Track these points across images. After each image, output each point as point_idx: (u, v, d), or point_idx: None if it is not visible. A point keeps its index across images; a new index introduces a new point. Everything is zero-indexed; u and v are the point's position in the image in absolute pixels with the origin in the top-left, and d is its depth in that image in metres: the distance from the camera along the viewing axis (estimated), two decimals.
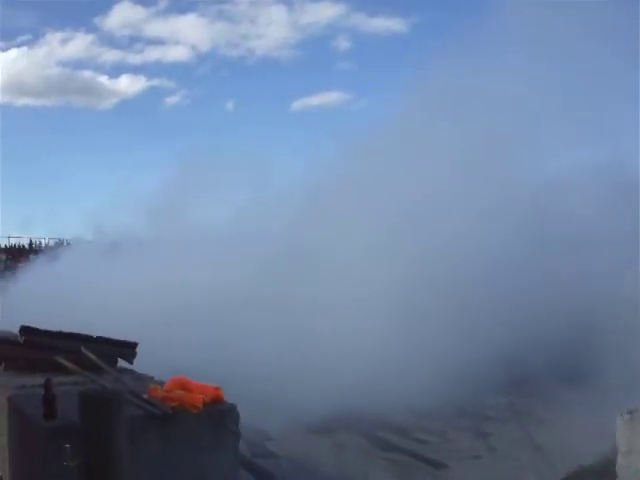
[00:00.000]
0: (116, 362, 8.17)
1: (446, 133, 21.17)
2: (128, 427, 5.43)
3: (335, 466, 11.05)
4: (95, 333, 8.40)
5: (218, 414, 6.18)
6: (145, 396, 6.17)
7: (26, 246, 54.41)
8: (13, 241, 55.35)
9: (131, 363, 8.27)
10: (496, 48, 22.47)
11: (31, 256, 47.06)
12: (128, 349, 8.29)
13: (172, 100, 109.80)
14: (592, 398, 11.92)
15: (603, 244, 18.10)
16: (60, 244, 52.06)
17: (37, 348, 7.65)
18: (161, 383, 7.01)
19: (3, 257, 48.11)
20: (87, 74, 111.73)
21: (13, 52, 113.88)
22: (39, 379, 6.96)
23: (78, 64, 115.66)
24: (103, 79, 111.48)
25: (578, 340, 15.19)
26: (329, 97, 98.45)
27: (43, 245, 53.64)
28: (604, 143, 23.41)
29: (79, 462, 4.60)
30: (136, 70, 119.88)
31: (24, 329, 8.03)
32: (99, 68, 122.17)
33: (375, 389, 13.61)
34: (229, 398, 8.68)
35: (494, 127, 20.96)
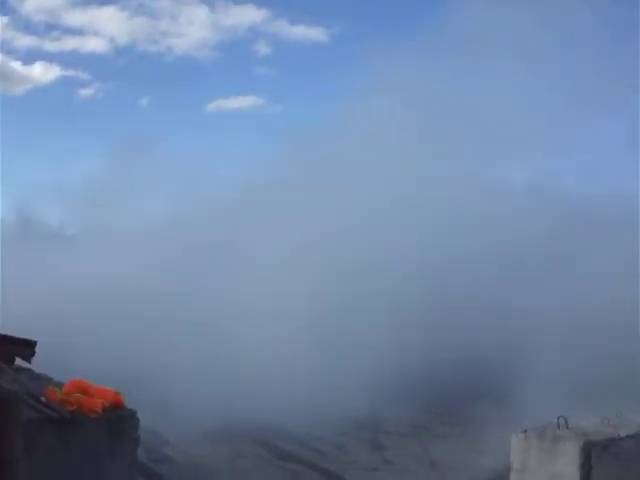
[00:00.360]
0: (13, 361, 7.93)
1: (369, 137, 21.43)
2: (24, 430, 5.30)
3: (231, 473, 11.03)
4: None
5: (117, 420, 6.06)
6: (43, 398, 6.01)
7: None
8: None
9: (29, 362, 8.03)
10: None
11: None
12: (26, 347, 8.03)
13: (86, 92, 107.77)
14: (496, 416, 12.14)
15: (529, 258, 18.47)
16: None
17: None
18: (60, 384, 6.85)
19: None
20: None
21: None
22: None
23: None
24: (16, 65, 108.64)
25: (496, 358, 15.37)
26: (245, 101, 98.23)
27: None
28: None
29: None
30: (51, 58, 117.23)
31: None
32: (13, 53, 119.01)
33: (278, 399, 13.63)
34: (128, 399, 8.54)
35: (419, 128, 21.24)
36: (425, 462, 11.97)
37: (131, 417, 6.18)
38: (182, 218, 24.19)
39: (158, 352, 15.78)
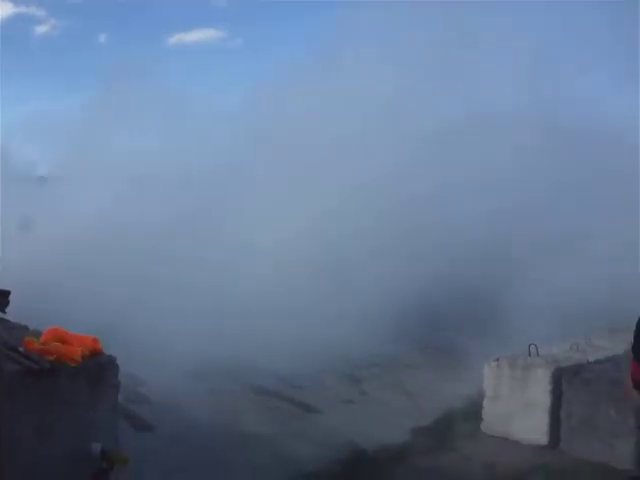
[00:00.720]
0: None
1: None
2: (4, 383, 5.34)
3: (208, 410, 11.12)
4: None
5: (97, 367, 6.11)
6: (21, 349, 6.02)
7: None
8: None
9: (4, 312, 8.02)
10: None
11: None
12: (1, 297, 8.04)
13: (41, 29, 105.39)
14: (477, 347, 12.32)
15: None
16: None
17: None
18: (36, 333, 6.87)
19: None
20: None
21: None
22: None
23: None
24: None
25: (486, 289, 15.41)
26: (205, 34, 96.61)
27: None
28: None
29: None
30: None
31: None
32: None
33: (255, 336, 13.70)
34: (105, 342, 8.57)
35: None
36: (400, 392, 12.20)
37: (110, 364, 6.23)
38: (169, 154, 23.71)
39: (138, 290, 15.74)
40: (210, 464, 9.36)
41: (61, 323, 7.41)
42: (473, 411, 10.65)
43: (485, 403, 10.33)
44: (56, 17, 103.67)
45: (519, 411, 9.87)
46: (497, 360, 10.35)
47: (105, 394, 6.10)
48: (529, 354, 10.27)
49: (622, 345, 9.97)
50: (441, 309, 15.35)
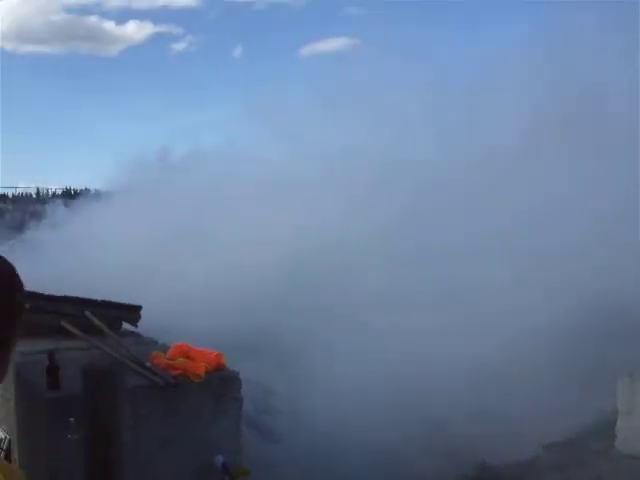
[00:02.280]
0: (120, 326, 8.24)
1: None
2: (131, 397, 5.54)
3: (336, 422, 11.11)
4: (102, 295, 8.46)
5: (220, 382, 6.24)
6: (148, 364, 6.24)
7: (33, 195, 54.47)
8: (20, 190, 55.33)
9: (135, 326, 8.33)
10: None
11: (38, 206, 47.22)
12: (132, 312, 8.35)
13: (179, 46, 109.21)
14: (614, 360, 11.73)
15: None
16: (67, 193, 52.26)
17: (41, 313, 7.70)
18: (165, 348, 7.08)
19: (10, 207, 48.15)
20: (93, 20, 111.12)
21: None
22: (44, 345, 7.05)
23: (84, 9, 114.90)
24: (109, 25, 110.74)
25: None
26: (337, 42, 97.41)
27: (50, 194, 53.75)
28: None
29: (81, 435, 4.69)
30: (143, 16, 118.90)
31: (28, 294, 8.07)
32: (105, 14, 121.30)
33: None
34: (234, 352, 8.71)
35: None
36: (530, 405, 11.82)
37: (233, 379, 6.35)
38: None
39: (272, 306, 15.89)
40: (337, 478, 9.40)
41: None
42: (606, 427, 10.31)
43: (619, 419, 9.99)
44: (192, 34, 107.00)
45: None
46: (631, 374, 10.00)
47: (228, 408, 6.22)
48: None
49: None
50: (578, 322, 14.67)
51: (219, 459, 5.88)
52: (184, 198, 24.36)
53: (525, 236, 16.02)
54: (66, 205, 38.33)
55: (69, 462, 5.12)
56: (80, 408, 4.75)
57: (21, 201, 51.45)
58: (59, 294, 8.11)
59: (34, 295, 8.01)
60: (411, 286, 15.19)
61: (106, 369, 4.70)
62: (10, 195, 53.70)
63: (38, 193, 54.36)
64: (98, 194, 45.85)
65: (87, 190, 51.35)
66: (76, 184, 55.15)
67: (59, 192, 53.80)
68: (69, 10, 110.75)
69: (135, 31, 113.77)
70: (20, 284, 1.85)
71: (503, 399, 11.79)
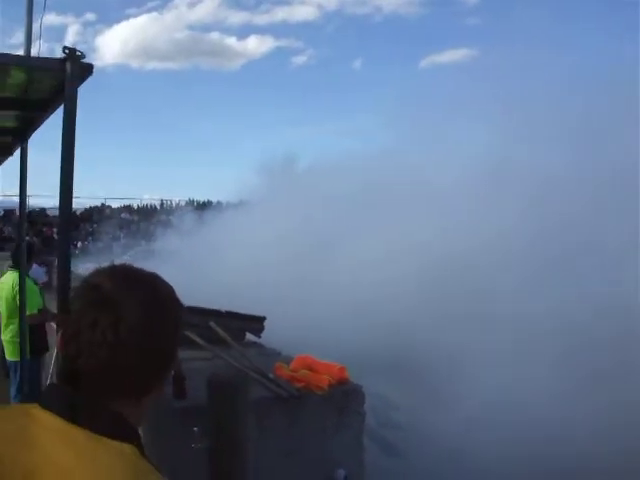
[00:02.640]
0: (244, 336, 8.31)
1: None
2: (255, 409, 5.54)
3: (459, 439, 10.84)
4: (230, 305, 8.55)
5: (343, 396, 6.19)
6: (271, 376, 6.25)
7: (157, 207, 55.74)
8: (145, 202, 56.73)
9: (259, 337, 8.39)
10: None
11: (162, 217, 48.43)
12: (256, 323, 8.42)
13: (299, 60, 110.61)
14: None
15: None
16: (190, 204, 53.39)
17: None
18: (287, 360, 7.08)
19: (135, 218, 49.48)
20: (215, 36, 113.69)
21: (143, 18, 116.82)
22: None
23: (206, 27, 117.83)
24: (231, 41, 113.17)
25: None
26: (457, 54, 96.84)
27: (174, 205, 54.99)
28: None
29: (205, 445, 4.71)
30: (263, 31, 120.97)
31: None
32: (226, 30, 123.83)
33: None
34: (360, 364, 8.61)
35: None
36: None
37: (356, 392, 6.29)
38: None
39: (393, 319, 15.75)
40: None
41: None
42: None
43: None
44: (312, 47, 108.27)
45: None
46: None
47: (350, 421, 6.17)
48: None
49: None
50: None
51: (341, 473, 5.85)
52: (316, 207, 24.47)
53: None
54: (193, 215, 39.22)
55: (193, 471, 5.15)
56: (205, 418, 4.77)
57: (146, 212, 52.77)
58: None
59: None
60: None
61: (230, 380, 4.70)
62: (135, 206, 55.08)
63: (162, 205, 55.57)
64: (221, 205, 46.72)
65: (210, 202, 52.48)
66: (199, 196, 56.23)
67: (182, 204, 55.04)
68: (192, 27, 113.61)
69: (256, 46, 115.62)
70: (181, 305, 1.77)
71: None
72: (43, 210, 51.62)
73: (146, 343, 1.62)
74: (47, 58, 3.71)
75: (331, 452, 6.00)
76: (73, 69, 3.42)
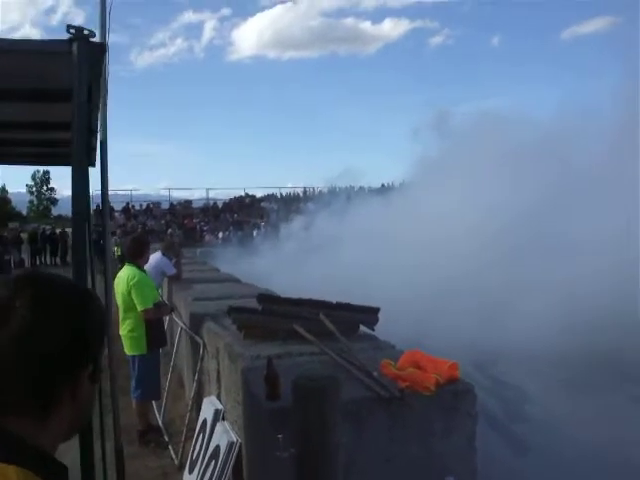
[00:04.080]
0: (357, 329, 7.96)
1: None
2: (353, 409, 5.18)
3: (593, 428, 10.23)
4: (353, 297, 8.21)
5: (452, 396, 5.72)
6: (375, 374, 5.85)
7: (300, 195, 56.24)
8: (288, 190, 57.32)
9: (372, 330, 8.01)
10: None
11: (302, 205, 48.68)
12: (369, 315, 8.03)
13: (436, 40, 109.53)
14: None
15: None
16: (333, 191, 53.51)
17: (275, 316, 7.57)
18: (400, 353, 6.69)
19: (275, 207, 49.95)
20: (349, 21, 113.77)
21: (277, 8, 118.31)
22: (275, 349, 6.89)
23: (340, 13, 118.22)
24: (366, 25, 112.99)
25: None
26: (600, 22, 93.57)
27: (317, 193, 55.28)
28: None
29: (292, 453, 4.38)
30: (398, 13, 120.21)
31: (262, 297, 8.00)
32: (361, 14, 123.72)
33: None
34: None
35: None
36: None
37: (467, 393, 5.80)
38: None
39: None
40: None
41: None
42: None
43: None
44: (450, 27, 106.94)
45: None
46: None
47: (460, 424, 5.69)
48: None
49: None
50: None
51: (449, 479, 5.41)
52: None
53: None
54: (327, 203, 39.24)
55: (280, 478, 4.84)
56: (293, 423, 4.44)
57: (288, 200, 53.21)
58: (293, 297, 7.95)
59: (267, 298, 7.92)
60: None
61: (318, 382, 4.33)
62: (279, 194, 55.70)
63: (305, 192, 55.87)
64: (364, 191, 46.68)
65: (352, 188, 52.40)
66: (342, 183, 56.25)
67: (325, 191, 55.21)
68: (326, 14, 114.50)
69: (391, 29, 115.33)
70: (84, 316, 1.63)
71: None
72: (189, 202, 53.03)
73: (26, 348, 1.49)
74: (50, 40, 3.37)
75: (438, 457, 5.55)
76: (81, 50, 3.10)
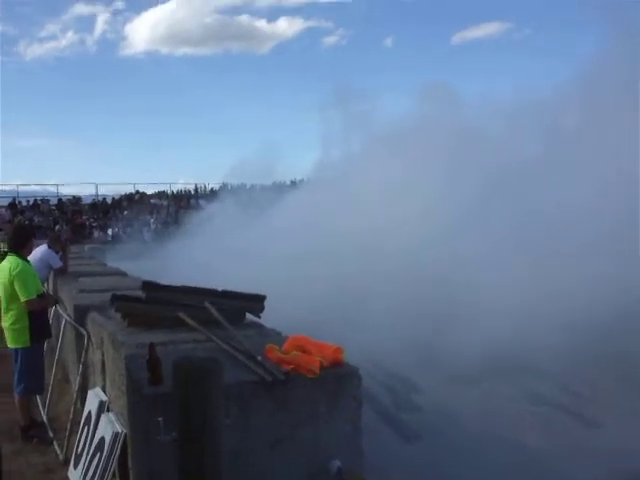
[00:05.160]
0: (244, 317, 7.91)
1: None
2: (237, 394, 5.13)
3: (479, 419, 10.53)
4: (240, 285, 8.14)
5: (336, 379, 5.73)
6: (260, 358, 5.82)
7: (192, 192, 55.71)
8: (179, 187, 56.70)
9: (258, 317, 7.97)
10: None
11: (192, 201, 48.32)
12: (256, 303, 7.99)
13: (330, 40, 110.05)
14: None
15: None
16: (224, 188, 53.22)
17: (160, 304, 7.46)
18: (286, 339, 6.66)
19: (165, 203, 49.41)
20: (244, 19, 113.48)
21: (172, 3, 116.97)
22: (159, 337, 6.78)
23: (235, 10, 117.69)
24: (261, 23, 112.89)
25: None
26: (490, 28, 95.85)
27: (208, 190, 54.94)
28: None
29: (173, 436, 4.30)
30: (293, 12, 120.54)
31: (146, 285, 7.87)
32: (256, 12, 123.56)
33: (522, 333, 12.93)
34: (368, 346, 8.13)
35: None
36: None
37: (352, 375, 5.82)
38: None
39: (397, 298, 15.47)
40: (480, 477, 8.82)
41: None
42: None
43: None
44: (343, 27, 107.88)
45: None
46: None
47: (345, 407, 5.71)
48: None
49: None
50: None
51: (334, 464, 5.42)
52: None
53: None
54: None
55: (164, 464, 4.76)
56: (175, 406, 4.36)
57: (178, 197, 52.72)
58: (179, 284, 7.85)
59: (152, 286, 7.80)
60: None
61: (198, 365, 4.26)
62: (169, 192, 55.03)
63: (197, 189, 55.52)
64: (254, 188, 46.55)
65: (244, 185, 52.21)
66: (234, 180, 55.98)
67: (216, 188, 54.91)
68: (221, 11, 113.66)
69: (286, 27, 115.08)
70: None
71: None
72: (78, 198, 51.85)
73: None
74: None
75: (324, 442, 5.56)
76: None
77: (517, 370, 12.65)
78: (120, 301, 7.75)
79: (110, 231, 43.00)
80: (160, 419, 4.34)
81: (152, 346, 5.30)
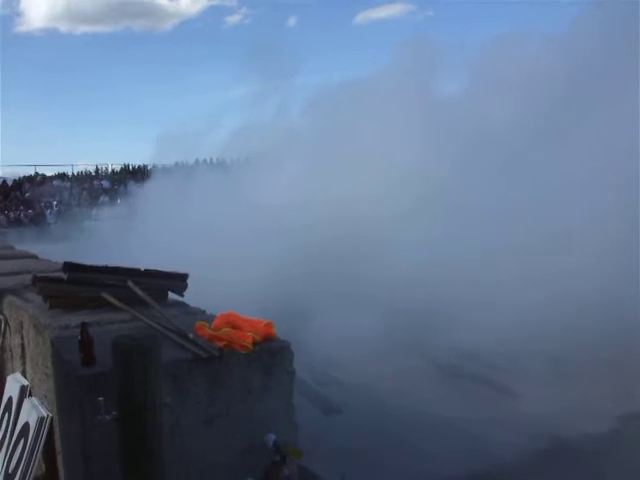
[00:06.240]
0: (166, 296, 7.82)
1: None
2: (172, 372, 5.10)
3: (396, 392, 10.71)
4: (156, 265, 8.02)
5: (269, 353, 5.75)
6: (191, 335, 5.78)
7: (92, 173, 54.70)
8: (80, 169, 55.53)
9: (181, 296, 7.89)
10: None
11: (95, 182, 47.52)
12: (178, 281, 7.91)
13: (233, 19, 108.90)
14: None
15: None
16: (126, 170, 52.48)
17: (82, 284, 7.31)
18: (212, 318, 6.63)
19: (67, 185, 48.40)
20: None
21: None
22: (83, 318, 6.65)
23: None
24: (163, 1, 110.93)
25: None
26: (393, 9, 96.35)
27: (110, 171, 54.12)
28: None
29: (114, 415, 4.25)
30: None
31: (68, 265, 7.68)
32: None
33: (441, 310, 13.12)
34: (291, 323, 8.18)
35: None
36: (606, 375, 11.14)
37: (284, 350, 5.85)
38: None
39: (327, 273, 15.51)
40: (397, 449, 8.97)
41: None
42: None
43: None
44: (247, 6, 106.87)
45: None
46: None
47: (279, 382, 5.73)
48: None
49: None
50: None
51: (270, 437, 5.43)
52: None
53: None
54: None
55: (102, 445, 4.70)
56: (113, 386, 4.30)
57: (80, 179, 51.67)
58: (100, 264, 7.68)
59: (73, 266, 7.63)
60: None
61: (138, 343, 4.21)
62: (70, 173, 53.86)
63: (97, 171, 54.56)
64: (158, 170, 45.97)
65: (145, 167, 51.53)
66: (135, 161, 55.24)
67: (117, 169, 54.15)
68: None
69: (189, 5, 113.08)
70: None
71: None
72: None
73: None
74: None
75: (259, 416, 5.57)
76: None
77: (437, 347, 12.86)
78: (42, 282, 7.56)
79: (12, 214, 41.92)
80: (101, 399, 4.27)
81: (84, 326, 5.21)
